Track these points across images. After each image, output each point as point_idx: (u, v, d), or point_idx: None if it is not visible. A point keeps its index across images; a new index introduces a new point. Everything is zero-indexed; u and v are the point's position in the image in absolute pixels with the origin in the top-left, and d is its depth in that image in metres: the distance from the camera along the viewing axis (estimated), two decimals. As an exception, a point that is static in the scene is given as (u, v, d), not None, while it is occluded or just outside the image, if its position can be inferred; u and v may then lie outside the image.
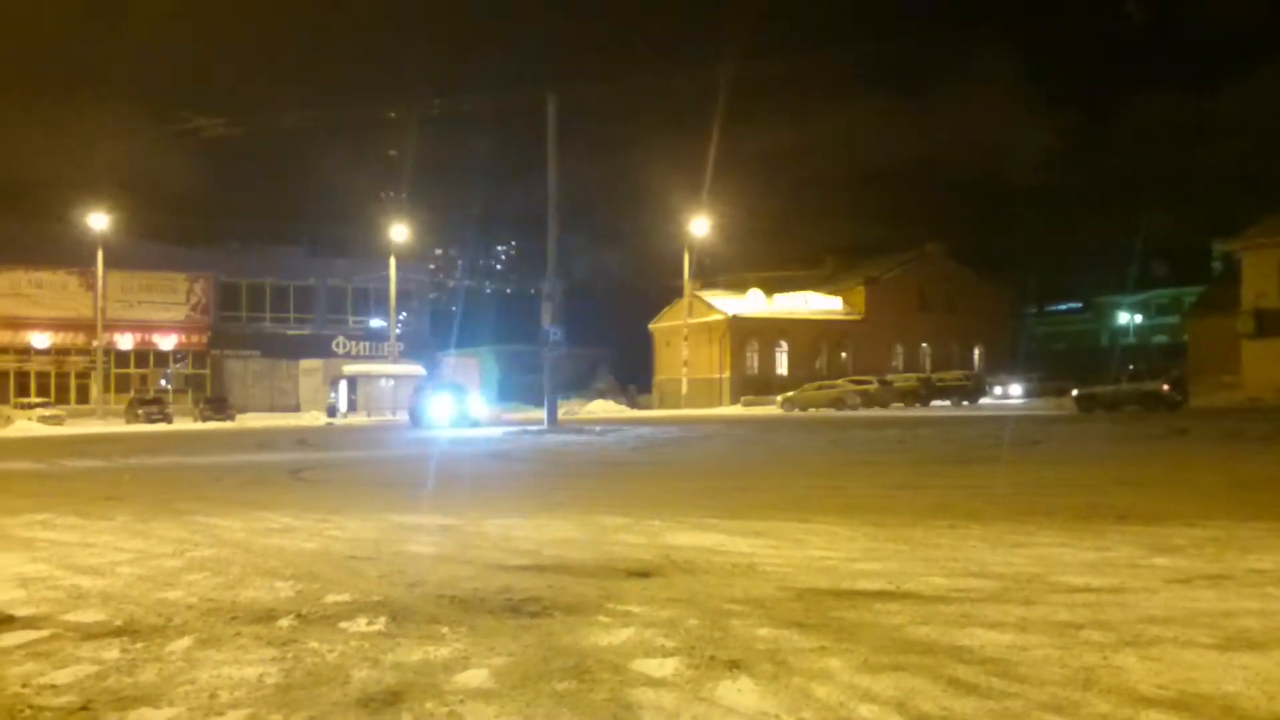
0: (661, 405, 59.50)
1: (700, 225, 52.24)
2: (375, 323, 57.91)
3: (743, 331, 60.68)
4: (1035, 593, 4.87)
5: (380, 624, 4.50)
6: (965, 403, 46.99)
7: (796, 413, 43.11)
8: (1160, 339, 74.88)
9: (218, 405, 47.41)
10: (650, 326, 67.25)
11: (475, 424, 29.13)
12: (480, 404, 32.74)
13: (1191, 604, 4.56)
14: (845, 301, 63.94)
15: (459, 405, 29.58)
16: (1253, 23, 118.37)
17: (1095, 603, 4.62)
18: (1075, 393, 33.49)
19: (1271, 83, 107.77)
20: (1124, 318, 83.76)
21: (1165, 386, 30.44)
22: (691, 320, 56.11)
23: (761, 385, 57.59)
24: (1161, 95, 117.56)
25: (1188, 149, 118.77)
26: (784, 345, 62.15)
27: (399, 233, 52.85)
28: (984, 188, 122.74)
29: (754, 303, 61.81)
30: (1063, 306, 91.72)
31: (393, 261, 51.93)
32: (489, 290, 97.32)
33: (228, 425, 42.00)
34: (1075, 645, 3.88)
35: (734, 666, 3.68)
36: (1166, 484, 10.40)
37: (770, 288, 62.92)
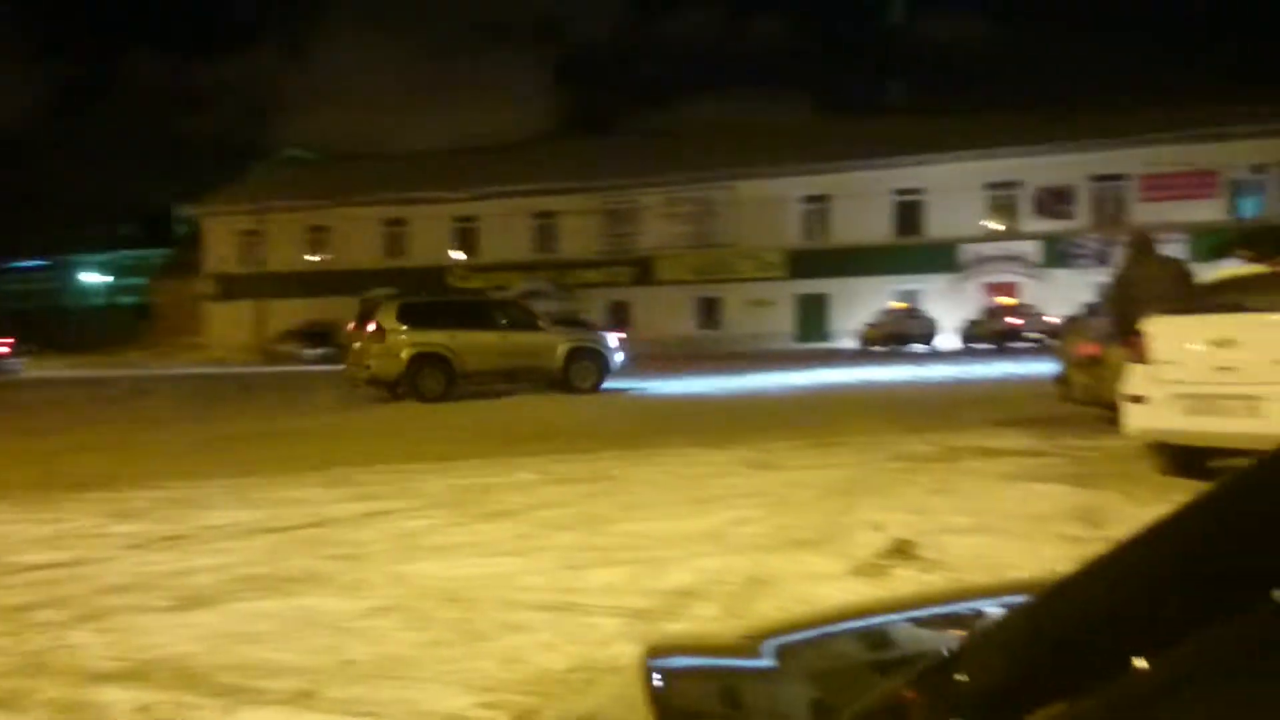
0: None
1: None
2: None
3: None
4: (-17, 577, 4.46)
5: None
6: None
7: None
8: (129, 299, 75.03)
9: None
10: None
11: None
12: None
13: (151, 568, 4.63)
14: None
15: None
16: None
17: (51, 580, 4.41)
18: None
19: (253, 58, 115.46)
20: (91, 277, 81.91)
21: None
22: None
23: None
24: (158, 59, 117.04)
25: (173, 114, 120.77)
26: None
27: None
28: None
29: None
30: (28, 264, 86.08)
31: None
32: None
33: None
34: (27, 629, 3.66)
35: None
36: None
37: None
